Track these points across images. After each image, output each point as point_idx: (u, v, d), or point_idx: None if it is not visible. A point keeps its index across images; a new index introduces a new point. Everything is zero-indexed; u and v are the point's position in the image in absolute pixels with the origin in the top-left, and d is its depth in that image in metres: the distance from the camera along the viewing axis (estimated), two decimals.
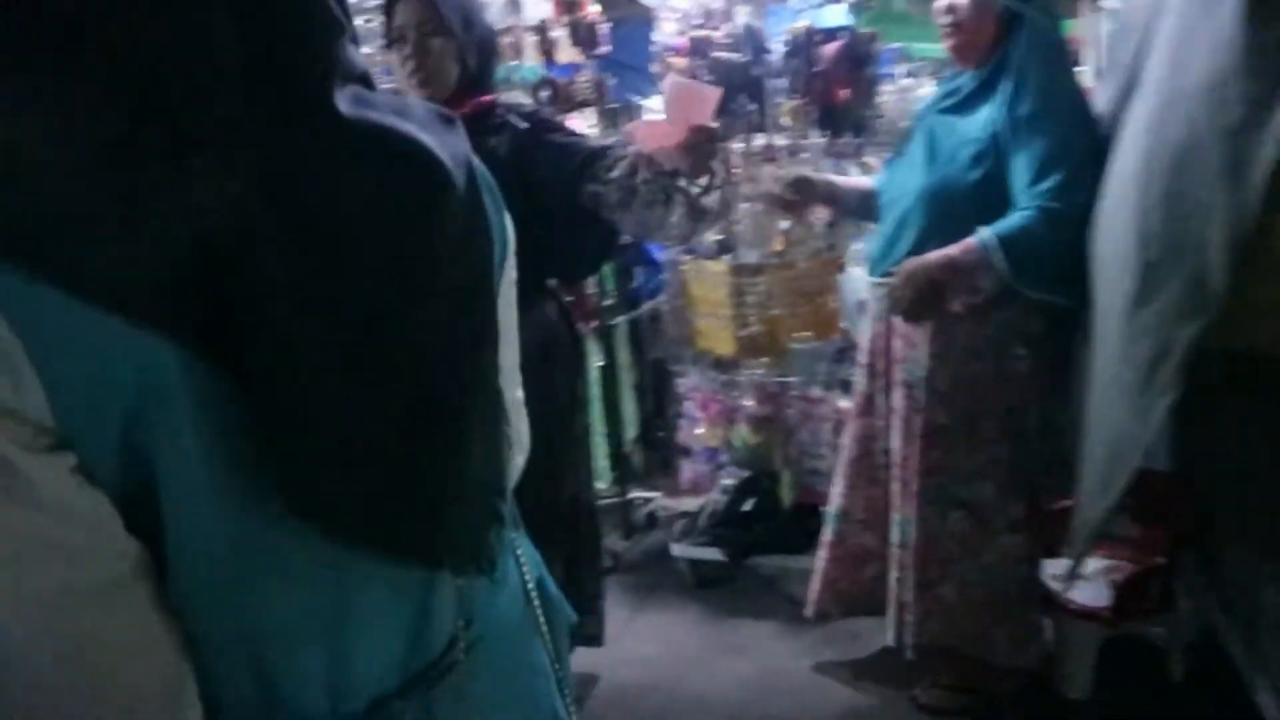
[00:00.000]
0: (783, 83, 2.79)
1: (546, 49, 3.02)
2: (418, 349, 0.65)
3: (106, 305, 0.54)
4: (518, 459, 0.88)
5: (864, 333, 2.28)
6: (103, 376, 0.55)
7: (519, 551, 0.85)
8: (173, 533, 0.58)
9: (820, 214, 2.62)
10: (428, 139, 0.64)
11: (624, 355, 3.38)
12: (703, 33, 2.89)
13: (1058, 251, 1.90)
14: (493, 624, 0.76)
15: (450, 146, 0.67)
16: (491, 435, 0.76)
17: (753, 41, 2.82)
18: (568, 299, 2.32)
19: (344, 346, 0.61)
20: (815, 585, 2.33)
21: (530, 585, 0.85)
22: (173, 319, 0.55)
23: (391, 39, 1.80)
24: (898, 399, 2.12)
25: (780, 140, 2.77)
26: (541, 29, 3.03)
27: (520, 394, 0.87)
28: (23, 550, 0.55)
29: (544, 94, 2.88)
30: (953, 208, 1.98)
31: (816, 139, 2.78)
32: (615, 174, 1.68)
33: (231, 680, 0.63)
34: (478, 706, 0.73)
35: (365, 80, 0.65)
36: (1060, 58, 2.07)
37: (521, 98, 2.72)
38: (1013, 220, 1.90)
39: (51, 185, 0.53)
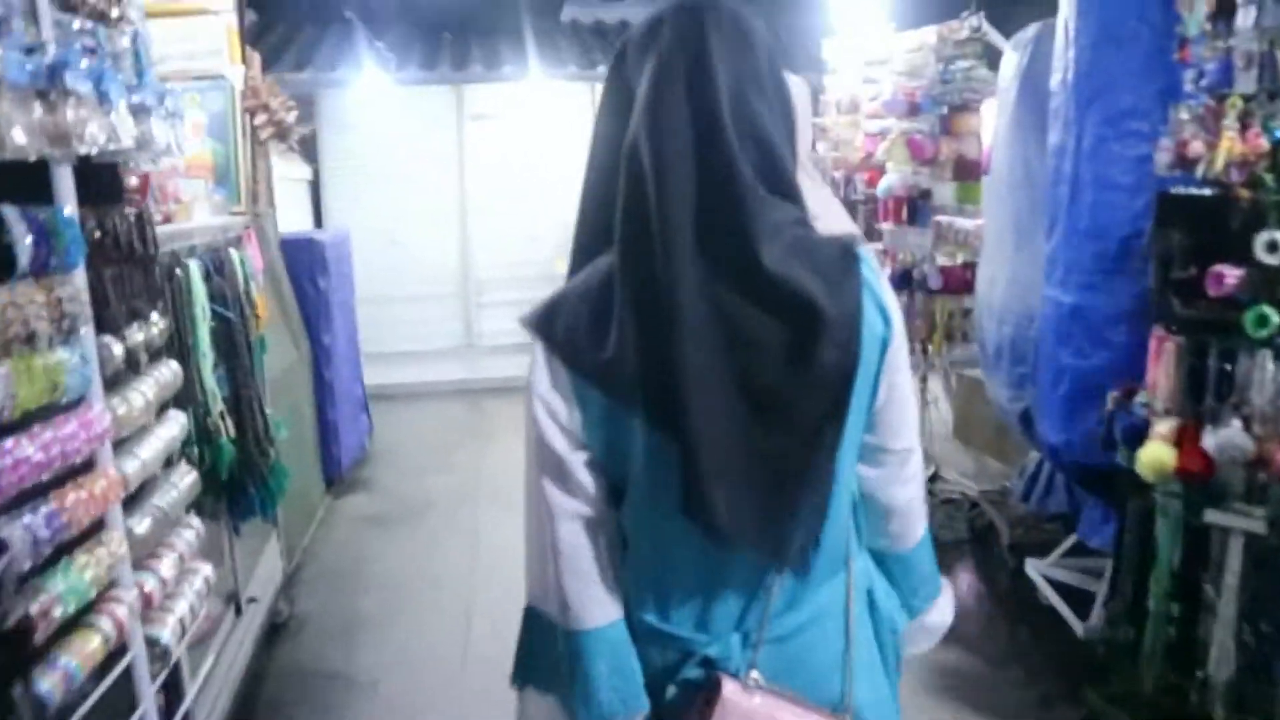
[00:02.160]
0: None
1: None
2: (786, 425, 1.07)
3: (609, 392, 1.07)
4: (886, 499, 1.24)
5: None
6: (607, 420, 1.09)
7: (856, 565, 1.23)
8: (628, 504, 1.14)
9: None
10: (818, 290, 1.02)
11: None
12: None
13: None
14: (812, 611, 1.17)
15: (837, 292, 1.04)
16: (823, 484, 1.10)
17: None
18: None
19: (738, 421, 1.05)
20: None
21: (855, 594, 1.22)
22: (637, 400, 1.05)
23: None
24: None
25: None
26: None
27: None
28: (544, 488, 1.13)
29: None
30: None
31: None
32: None
33: (651, 593, 1.15)
34: (787, 663, 1.16)
35: (799, 220, 1.08)
36: None
37: None
38: None
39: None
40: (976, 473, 5.05)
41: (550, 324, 1.09)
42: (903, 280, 4.15)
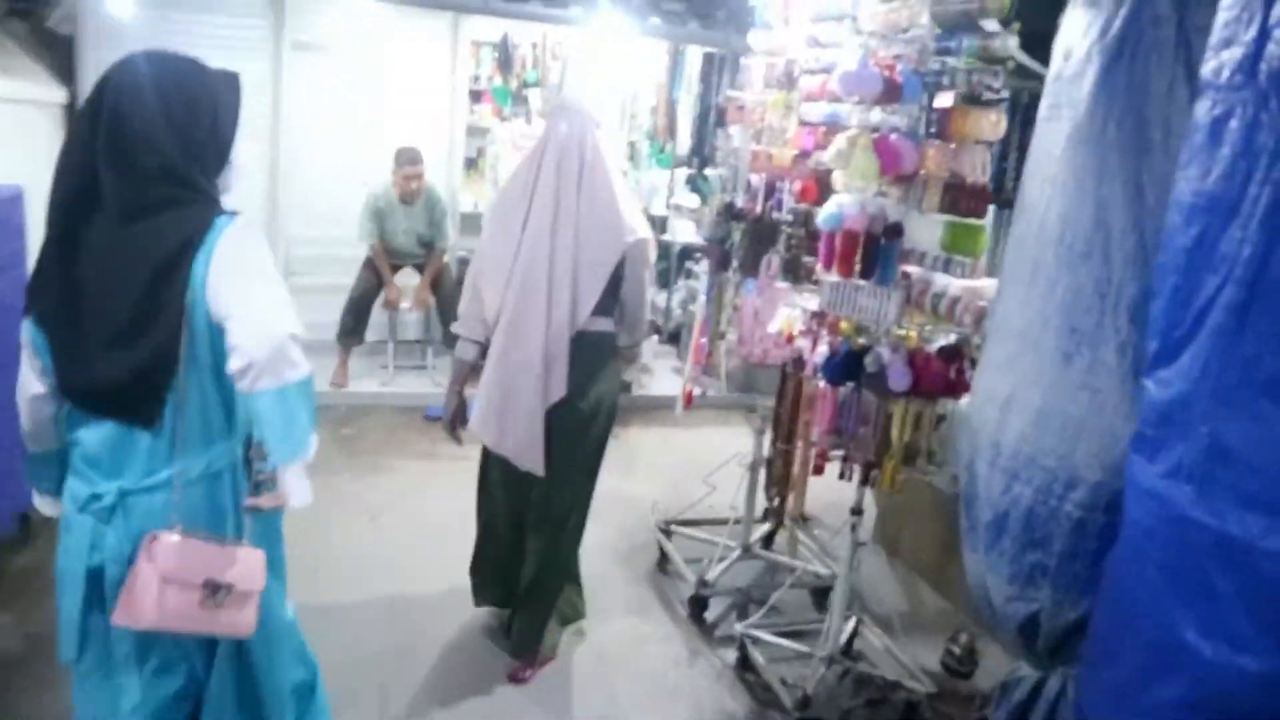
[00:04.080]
0: None
1: None
2: (118, 318, 1.62)
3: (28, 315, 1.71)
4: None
5: None
6: (38, 335, 1.71)
7: (223, 444, 1.76)
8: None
9: None
10: (136, 228, 1.61)
11: None
12: None
13: None
14: (199, 469, 1.71)
15: (159, 229, 1.61)
16: (161, 368, 1.63)
17: None
18: None
19: (81, 322, 1.63)
20: None
21: (229, 464, 1.78)
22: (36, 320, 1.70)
23: None
24: None
25: None
26: None
27: None
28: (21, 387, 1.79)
29: None
30: None
31: None
32: None
33: (74, 446, 1.74)
34: (165, 511, 1.67)
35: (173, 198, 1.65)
36: None
37: None
38: None
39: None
40: (909, 617, 3.60)
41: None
42: (845, 368, 2.59)
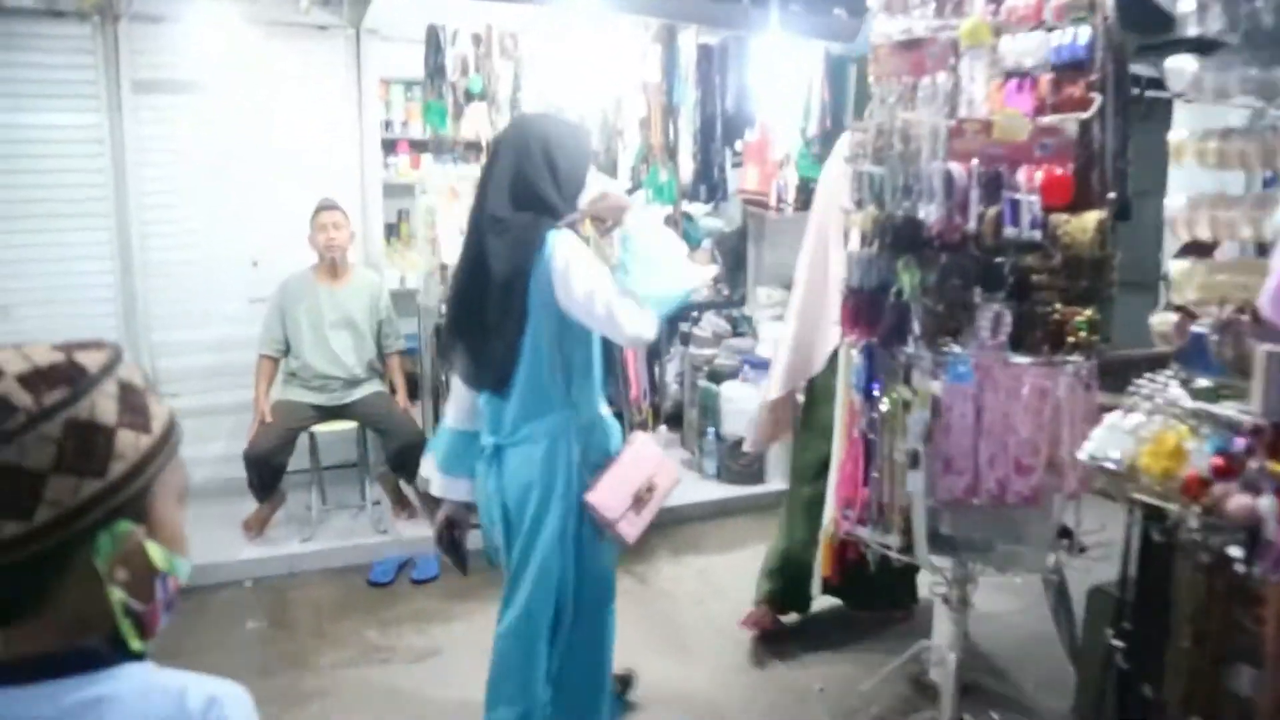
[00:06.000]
0: None
1: None
2: (481, 317, 2.14)
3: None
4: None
5: None
6: None
7: (563, 412, 2.16)
8: None
9: None
10: (494, 250, 2.11)
11: None
12: None
13: None
14: (529, 433, 2.15)
15: (508, 250, 2.09)
16: (503, 353, 2.11)
17: None
18: None
19: (461, 315, 2.25)
20: None
21: (574, 428, 2.17)
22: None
23: None
24: None
25: None
26: None
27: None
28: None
29: None
30: None
31: None
32: None
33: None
34: (521, 461, 2.16)
35: (532, 220, 2.12)
36: None
37: None
38: None
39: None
40: None
41: None
42: None
